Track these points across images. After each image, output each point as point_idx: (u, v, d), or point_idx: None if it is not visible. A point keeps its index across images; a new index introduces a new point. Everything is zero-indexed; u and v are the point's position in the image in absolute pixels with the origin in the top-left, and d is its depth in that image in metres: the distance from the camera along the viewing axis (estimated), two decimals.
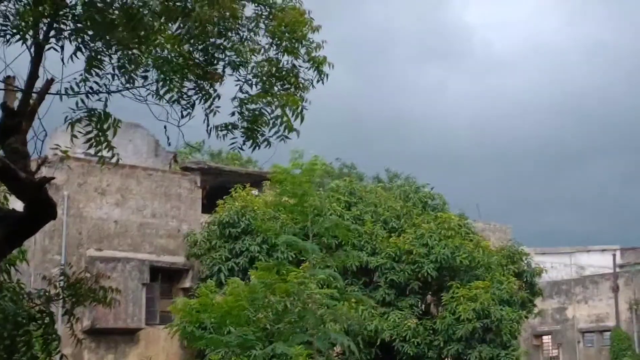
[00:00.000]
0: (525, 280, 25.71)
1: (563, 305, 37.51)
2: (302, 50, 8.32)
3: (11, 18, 7.37)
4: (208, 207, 25.07)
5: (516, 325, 23.84)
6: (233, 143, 8.61)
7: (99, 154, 7.41)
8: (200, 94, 8.18)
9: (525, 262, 26.28)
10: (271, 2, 8.23)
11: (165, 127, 8.07)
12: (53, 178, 8.05)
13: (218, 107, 8.24)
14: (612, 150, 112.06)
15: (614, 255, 38.80)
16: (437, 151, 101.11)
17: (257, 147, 8.56)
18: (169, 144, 9.36)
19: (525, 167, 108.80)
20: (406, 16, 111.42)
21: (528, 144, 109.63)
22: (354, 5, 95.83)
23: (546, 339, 38.44)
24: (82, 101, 7.33)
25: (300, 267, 21.07)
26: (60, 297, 8.19)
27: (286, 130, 8.34)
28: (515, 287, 24.07)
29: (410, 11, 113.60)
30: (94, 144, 7.38)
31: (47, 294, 8.01)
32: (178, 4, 7.34)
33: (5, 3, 7.35)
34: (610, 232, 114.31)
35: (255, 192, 24.86)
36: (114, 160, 7.42)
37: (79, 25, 7.18)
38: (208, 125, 8.30)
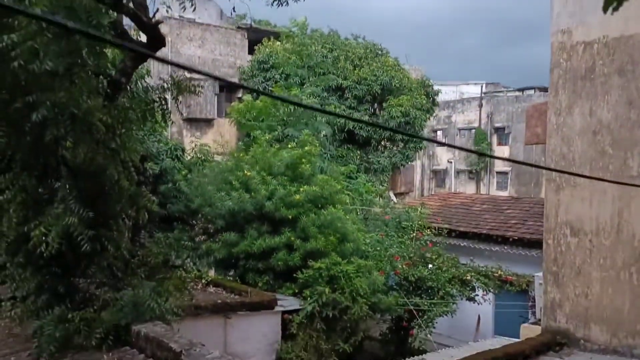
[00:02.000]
0: (429, 97, 27.24)
1: (449, 114, 39.62)
2: None
3: None
4: (251, 51, 25.71)
5: (423, 123, 25.91)
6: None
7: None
8: None
9: (431, 87, 27.73)
10: None
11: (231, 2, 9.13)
12: (162, 22, 7.65)
13: None
14: (479, 24, 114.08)
15: (481, 86, 40.84)
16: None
17: (279, 5, 8.91)
18: (231, 14, 11.76)
19: (431, 31, 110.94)
20: None
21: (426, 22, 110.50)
22: None
23: (439, 132, 40.30)
24: None
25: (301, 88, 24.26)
26: (169, 89, 7.89)
27: None
28: (423, 101, 25.88)
29: None
30: (183, 9, 7.26)
31: (162, 86, 7.86)
32: None
33: None
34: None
35: (277, 42, 25.34)
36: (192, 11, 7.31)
37: None
38: None
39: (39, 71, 4.99)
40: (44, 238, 5.49)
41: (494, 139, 37.36)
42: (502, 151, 36.59)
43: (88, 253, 5.71)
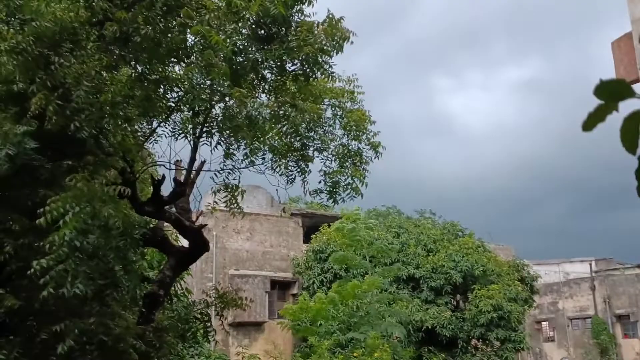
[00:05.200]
0: (526, 283, 26.50)
1: (555, 300, 38.19)
2: (364, 137, 9.01)
3: (179, 124, 8.13)
4: (306, 239, 26.39)
5: (521, 315, 24.81)
6: (321, 200, 9.41)
7: (232, 209, 8.24)
8: (299, 169, 8.87)
9: (526, 270, 27.18)
10: (343, 106, 8.93)
11: (277, 190, 8.82)
12: (206, 225, 8.49)
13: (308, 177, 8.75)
14: (554, 194, 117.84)
15: (590, 264, 38.80)
16: (435, 202, 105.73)
17: (336, 203, 9.29)
18: (279, 201, 12.35)
19: (501, 207, 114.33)
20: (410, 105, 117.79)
21: (496, 194, 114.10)
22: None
23: (544, 324, 38.70)
24: (220, 175, 8.12)
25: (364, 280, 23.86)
26: (213, 304, 8.59)
27: (354, 192, 9.06)
28: (519, 289, 25.06)
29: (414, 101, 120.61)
30: (228, 204, 8.31)
31: (206, 301, 8.49)
32: (281, 112, 7.97)
33: (174, 115, 7.97)
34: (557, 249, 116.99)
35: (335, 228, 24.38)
36: (239, 213, 8.28)
37: (219, 127, 7.82)
38: (304, 189, 8.97)
39: (68, 295, 5.33)
40: None
41: (618, 330, 35.00)
42: (631, 345, 33.99)
43: None
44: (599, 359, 34.84)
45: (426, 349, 24.08)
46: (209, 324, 8.22)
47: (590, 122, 1.45)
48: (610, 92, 1.41)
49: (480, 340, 25.02)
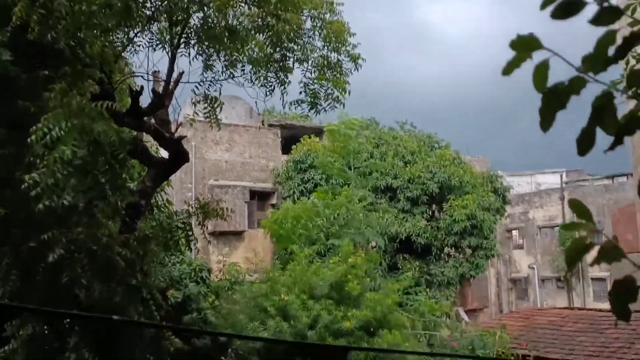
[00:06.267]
0: (499, 194, 27.16)
1: (526, 210, 39.25)
2: (343, 50, 9.09)
3: (157, 35, 8.10)
4: (285, 150, 26.59)
5: (493, 224, 25.67)
6: (302, 111, 9.57)
7: (210, 121, 8.26)
8: (278, 80, 8.92)
9: (499, 181, 27.69)
10: (323, 17, 8.91)
11: (256, 101, 9.01)
12: (185, 137, 8.52)
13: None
14: (532, 106, 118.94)
15: (561, 175, 39.90)
16: (417, 108, 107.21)
17: (317, 114, 9.47)
18: (258, 113, 12.55)
19: (480, 118, 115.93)
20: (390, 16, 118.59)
21: (477, 105, 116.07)
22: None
23: (515, 233, 40.01)
24: (200, 87, 8.20)
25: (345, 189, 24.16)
26: (195, 214, 8.73)
27: (335, 102, 9.31)
28: (492, 199, 25.84)
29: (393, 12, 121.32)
30: (208, 115, 8.35)
31: (187, 211, 8.70)
32: (263, 22, 7.89)
33: (152, 25, 7.82)
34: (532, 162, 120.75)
35: (317, 139, 26.14)
36: (217, 125, 8.30)
37: (198, 38, 7.85)
38: (283, 101, 9.11)
39: (56, 206, 5.45)
40: None
41: None
42: (596, 252, 35.30)
43: None
44: (564, 265, 36.20)
45: (401, 257, 24.87)
46: (191, 233, 8.35)
47: (509, 69, 1.69)
48: (523, 45, 1.65)
49: (453, 248, 25.98)
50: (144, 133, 8.32)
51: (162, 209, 8.77)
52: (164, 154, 8.82)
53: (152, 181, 8.09)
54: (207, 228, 19.78)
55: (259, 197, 26.13)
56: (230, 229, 24.50)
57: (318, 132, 27.01)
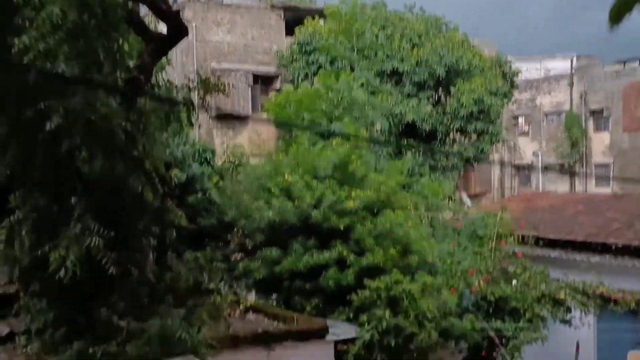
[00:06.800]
0: (507, 78, 26.66)
1: (533, 96, 38.44)
2: None
3: None
4: (289, 32, 25.90)
5: (500, 109, 25.54)
6: None
7: None
8: None
9: (508, 65, 27.10)
10: None
11: None
12: (182, 8, 8.74)
13: None
14: None
15: (571, 60, 38.16)
16: None
17: None
18: None
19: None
20: None
21: None
22: None
23: (521, 119, 39.38)
24: None
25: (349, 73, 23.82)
26: (196, 88, 8.31)
27: None
28: (500, 83, 25.39)
29: None
30: None
31: (188, 86, 8.21)
32: None
33: None
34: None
35: (321, 21, 25.52)
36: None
37: None
38: None
39: (50, 74, 5.29)
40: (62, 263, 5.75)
41: (590, 124, 36.20)
42: (601, 139, 35.37)
43: (109, 279, 5.93)
44: (569, 151, 36.25)
45: (405, 141, 24.85)
46: (192, 109, 8.10)
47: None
48: None
49: (459, 132, 25.89)
50: (139, 4, 7.82)
51: (159, 86, 8.38)
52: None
53: (151, 56, 7.71)
54: (210, 107, 19.70)
55: (263, 82, 25.75)
56: (234, 113, 24.40)
57: (323, 14, 26.39)
